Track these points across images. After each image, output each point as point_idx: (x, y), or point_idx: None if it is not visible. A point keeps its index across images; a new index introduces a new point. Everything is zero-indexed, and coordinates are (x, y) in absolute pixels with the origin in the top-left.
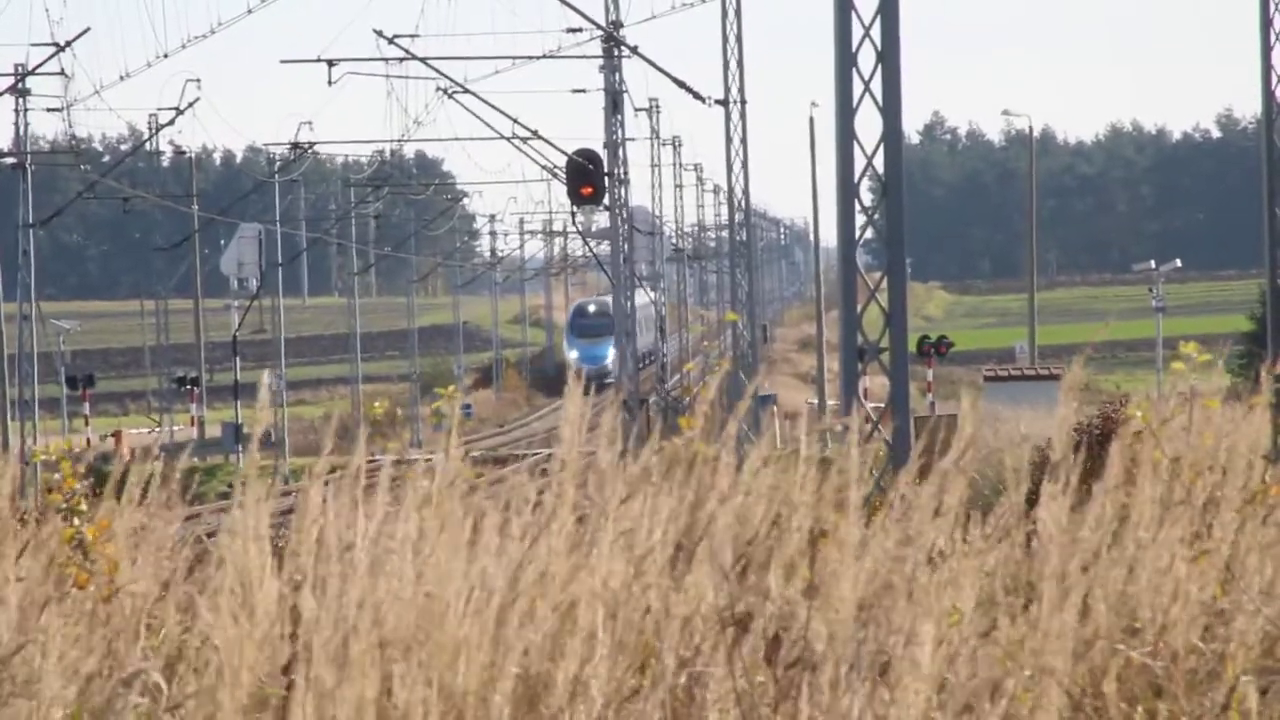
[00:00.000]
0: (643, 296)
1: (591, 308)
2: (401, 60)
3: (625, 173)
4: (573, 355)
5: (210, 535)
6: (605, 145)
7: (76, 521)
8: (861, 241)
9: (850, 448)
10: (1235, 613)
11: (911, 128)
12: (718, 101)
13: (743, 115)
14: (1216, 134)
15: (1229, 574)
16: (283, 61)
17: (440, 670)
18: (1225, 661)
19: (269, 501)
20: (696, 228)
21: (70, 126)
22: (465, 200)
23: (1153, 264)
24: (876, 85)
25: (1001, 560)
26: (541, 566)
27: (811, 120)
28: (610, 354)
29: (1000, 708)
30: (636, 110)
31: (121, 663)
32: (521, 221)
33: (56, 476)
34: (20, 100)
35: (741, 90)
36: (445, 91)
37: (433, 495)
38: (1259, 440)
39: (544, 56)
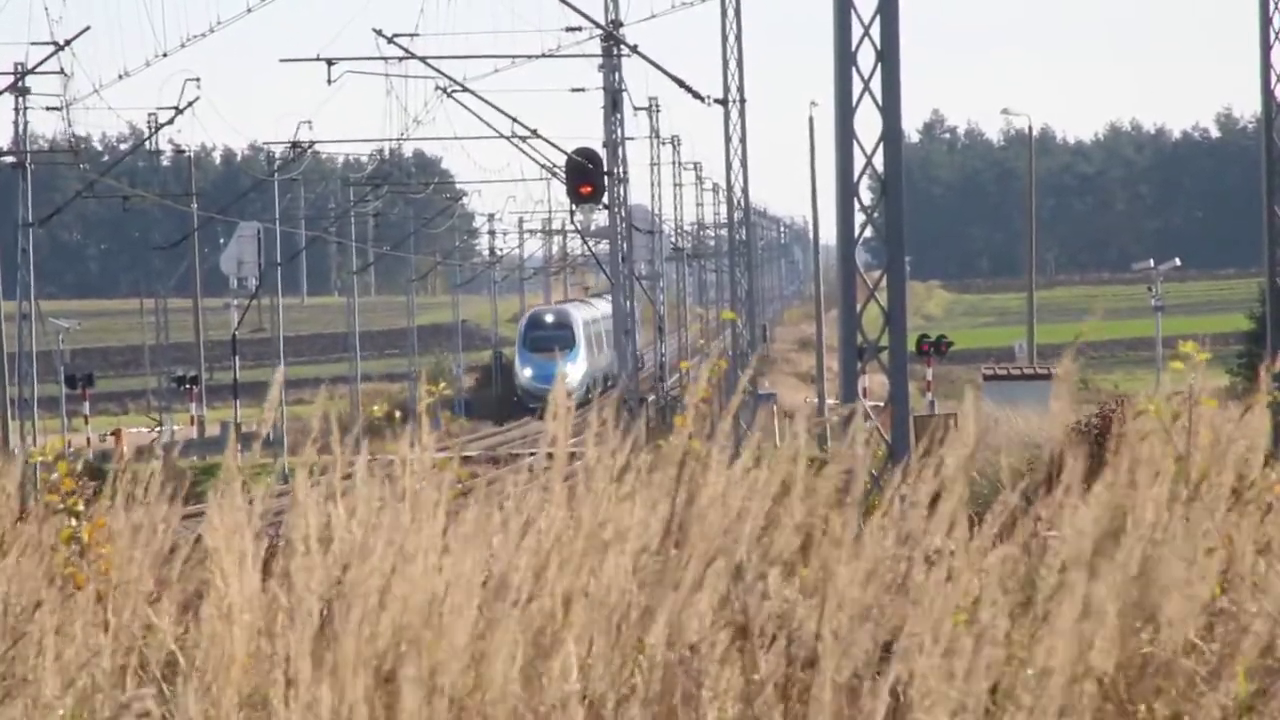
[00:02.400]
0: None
1: (548, 317)
2: (401, 59)
3: (624, 172)
4: (526, 373)
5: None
6: (604, 144)
7: (74, 522)
8: (861, 240)
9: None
10: (1237, 611)
11: (911, 127)
12: (717, 101)
13: (742, 114)
14: (1216, 133)
15: (1232, 572)
16: (282, 60)
17: (427, 670)
18: (1225, 660)
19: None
20: (696, 226)
21: (70, 125)
22: (464, 199)
23: (1152, 263)
24: (876, 84)
25: (1000, 559)
26: (534, 563)
27: (811, 119)
28: (570, 372)
29: (1013, 712)
30: (636, 109)
31: (119, 666)
32: (521, 220)
33: (55, 476)
34: (20, 99)
35: (741, 89)
36: (445, 90)
37: (412, 490)
38: (1258, 438)
39: (543, 55)
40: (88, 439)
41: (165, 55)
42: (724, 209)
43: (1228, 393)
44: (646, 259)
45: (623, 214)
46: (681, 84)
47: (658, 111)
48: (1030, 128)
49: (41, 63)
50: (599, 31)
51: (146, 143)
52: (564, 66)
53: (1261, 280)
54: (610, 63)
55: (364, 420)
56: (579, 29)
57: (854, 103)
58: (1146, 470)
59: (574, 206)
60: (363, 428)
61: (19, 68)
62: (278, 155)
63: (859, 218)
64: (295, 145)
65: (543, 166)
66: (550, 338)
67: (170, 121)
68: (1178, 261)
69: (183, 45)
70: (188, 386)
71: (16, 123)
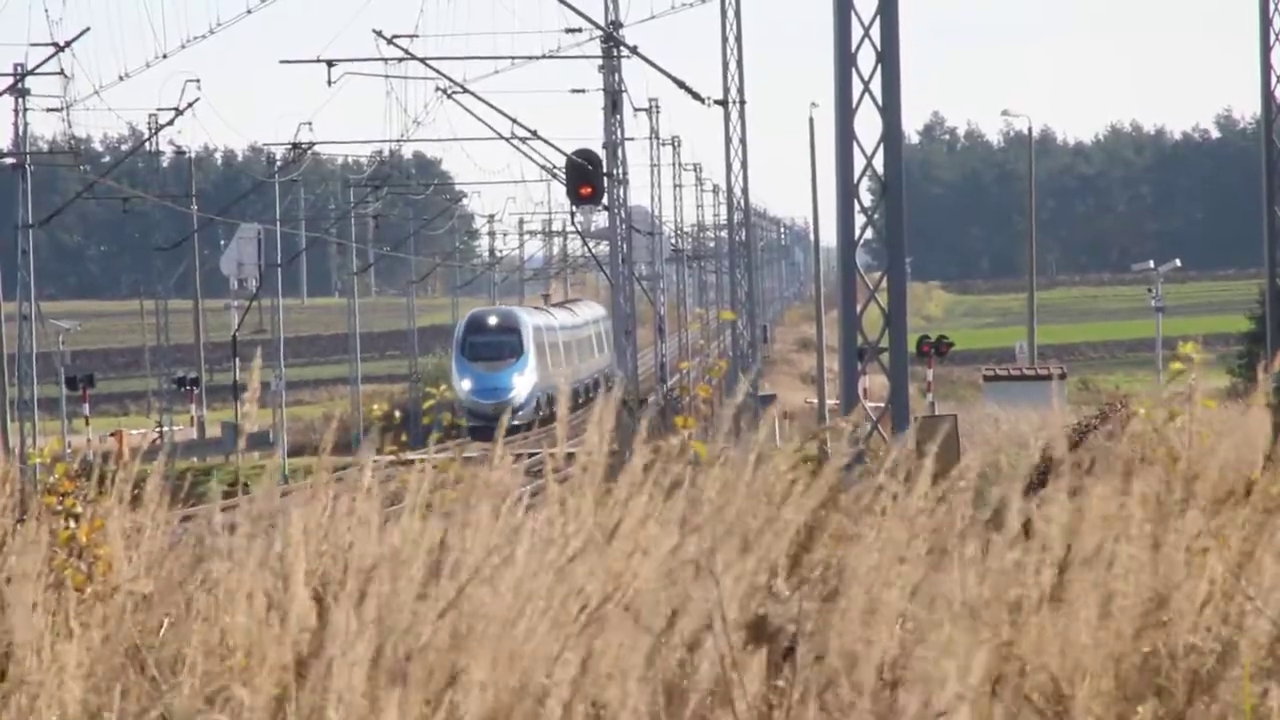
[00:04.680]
0: (596, 308)
1: (491, 320)
2: (401, 60)
3: (624, 173)
4: (464, 386)
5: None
6: (604, 145)
7: (72, 524)
8: (861, 241)
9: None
10: (1239, 612)
11: (911, 128)
12: (717, 101)
13: (742, 115)
14: (1216, 134)
15: (1234, 573)
16: (282, 62)
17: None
18: (1226, 661)
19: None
20: (696, 228)
21: (70, 126)
22: (464, 200)
23: (1152, 263)
24: (876, 85)
25: (1000, 560)
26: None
27: (811, 120)
28: (517, 384)
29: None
30: (636, 110)
31: (118, 667)
32: (521, 221)
33: (54, 478)
34: (20, 100)
35: (741, 90)
36: (444, 91)
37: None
38: (1257, 438)
39: (543, 56)
40: (88, 440)
41: (165, 56)
42: (724, 210)
43: (1228, 393)
44: (646, 260)
45: (623, 215)
46: (681, 85)
47: (657, 112)
48: (1030, 128)
49: (41, 64)
50: (599, 33)
51: (146, 144)
52: (564, 68)
53: (1261, 281)
54: (610, 64)
55: (366, 423)
56: (579, 30)
57: (854, 103)
58: (1142, 470)
59: (574, 208)
60: (364, 430)
61: (19, 69)
62: (278, 157)
63: (859, 219)
64: (295, 146)
65: (543, 168)
66: (493, 344)
67: (170, 123)
68: (1178, 262)
69: (183, 46)
70: (188, 388)
71: (16, 124)
